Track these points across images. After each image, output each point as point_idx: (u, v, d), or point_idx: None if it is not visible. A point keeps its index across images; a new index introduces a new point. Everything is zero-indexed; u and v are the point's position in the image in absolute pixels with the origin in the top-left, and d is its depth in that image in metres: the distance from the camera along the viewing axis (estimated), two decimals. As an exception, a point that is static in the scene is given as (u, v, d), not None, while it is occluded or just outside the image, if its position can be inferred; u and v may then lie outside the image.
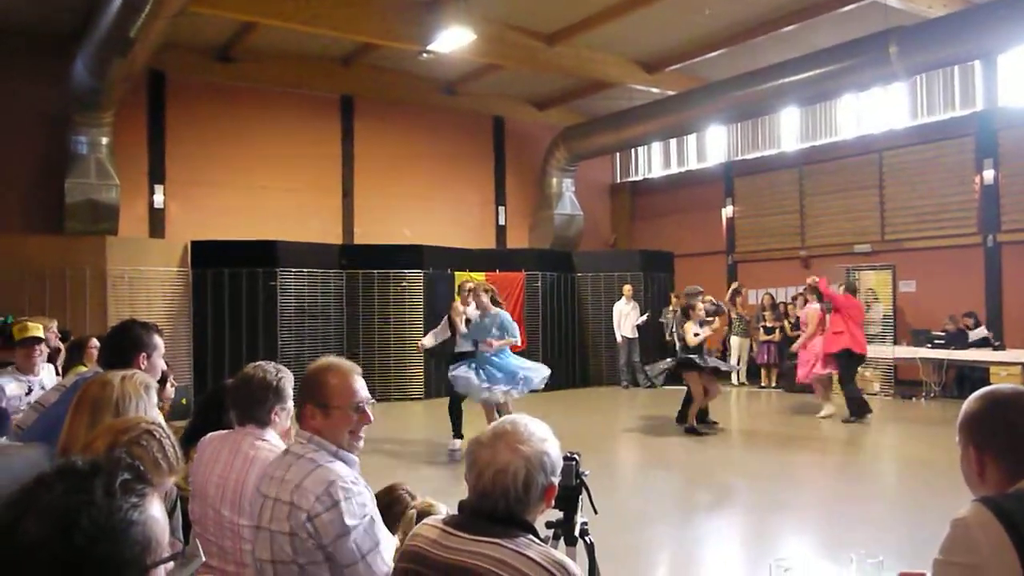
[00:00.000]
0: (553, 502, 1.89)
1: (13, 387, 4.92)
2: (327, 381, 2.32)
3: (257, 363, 2.91)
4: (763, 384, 13.63)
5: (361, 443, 2.38)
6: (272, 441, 2.78)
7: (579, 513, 2.72)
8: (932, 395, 11.89)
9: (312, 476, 2.20)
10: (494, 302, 8.16)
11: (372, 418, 2.38)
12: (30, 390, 4.95)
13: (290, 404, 2.86)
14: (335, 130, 14.73)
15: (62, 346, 6.22)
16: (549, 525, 2.68)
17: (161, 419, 2.88)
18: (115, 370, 2.66)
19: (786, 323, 13.37)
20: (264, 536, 2.25)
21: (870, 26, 10.38)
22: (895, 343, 12.30)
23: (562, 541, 2.70)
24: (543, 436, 1.84)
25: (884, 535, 5.24)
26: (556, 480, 1.84)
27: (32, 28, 11.50)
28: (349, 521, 2.15)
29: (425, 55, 12.16)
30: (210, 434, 2.95)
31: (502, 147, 16.62)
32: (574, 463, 2.68)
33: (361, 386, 2.37)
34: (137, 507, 1.10)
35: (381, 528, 2.26)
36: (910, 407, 11.42)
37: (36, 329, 5.13)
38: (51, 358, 5.68)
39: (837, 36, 10.83)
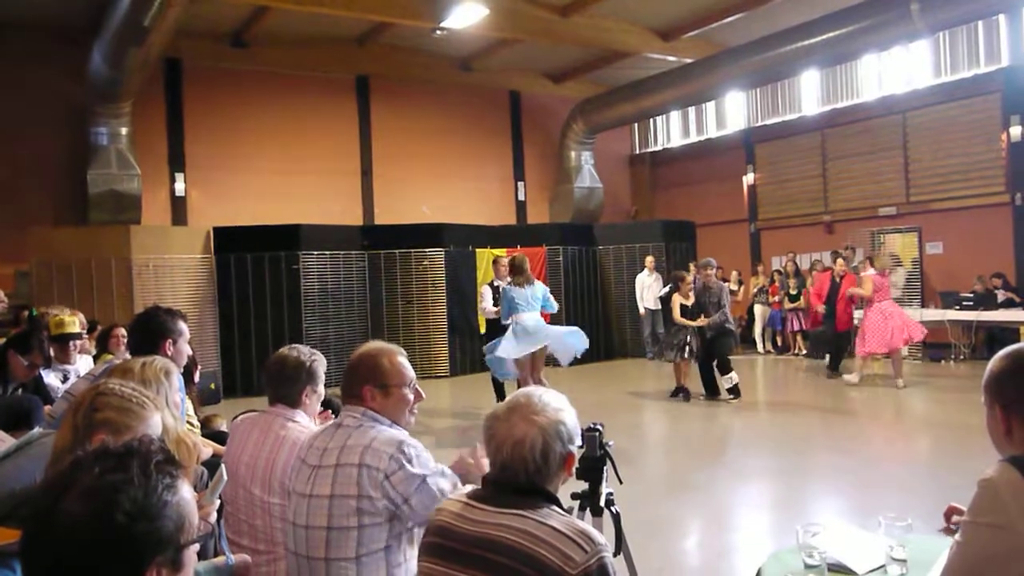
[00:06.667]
0: (574, 471, 1.91)
1: (51, 377, 5.04)
2: (383, 363, 2.42)
3: (292, 345, 2.98)
4: (794, 352, 13.53)
5: (413, 419, 2.48)
6: (302, 422, 2.82)
7: (604, 484, 2.73)
8: (962, 357, 11.75)
9: (380, 438, 2.28)
10: (519, 271, 8.18)
11: (424, 395, 2.51)
12: (66, 378, 5.07)
13: (321, 388, 2.93)
14: (352, 111, 14.73)
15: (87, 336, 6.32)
16: (574, 496, 2.70)
17: (189, 404, 2.93)
18: (140, 357, 2.71)
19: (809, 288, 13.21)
20: (319, 503, 2.27)
21: (890, -17, 10.16)
22: (923, 306, 12.15)
23: (588, 512, 2.72)
24: (558, 406, 1.85)
25: (912, 498, 5.22)
26: (574, 448, 1.85)
27: (50, 21, 11.58)
28: (423, 471, 2.24)
29: (439, 32, 12.10)
30: (241, 415, 3.03)
31: (519, 122, 16.54)
32: (598, 434, 2.69)
33: (409, 366, 2.49)
34: (171, 488, 1.13)
35: (453, 474, 2.37)
36: (939, 370, 11.31)
37: (72, 325, 5.22)
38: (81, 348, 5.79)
39: (856, -5, 10.61)
